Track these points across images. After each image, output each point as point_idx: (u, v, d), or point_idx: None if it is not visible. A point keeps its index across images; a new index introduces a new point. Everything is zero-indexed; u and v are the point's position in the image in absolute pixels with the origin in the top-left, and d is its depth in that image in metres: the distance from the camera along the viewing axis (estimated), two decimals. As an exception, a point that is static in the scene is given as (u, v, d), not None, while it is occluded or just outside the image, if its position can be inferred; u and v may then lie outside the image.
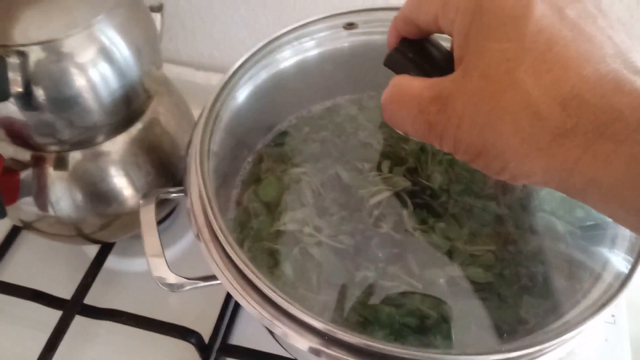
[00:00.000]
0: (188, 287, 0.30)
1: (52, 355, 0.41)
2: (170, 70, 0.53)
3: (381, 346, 0.27)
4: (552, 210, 0.39)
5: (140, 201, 0.33)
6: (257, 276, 0.30)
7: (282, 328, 0.29)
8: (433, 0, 0.24)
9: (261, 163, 0.42)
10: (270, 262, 0.37)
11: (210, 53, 0.72)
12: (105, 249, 0.47)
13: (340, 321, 0.34)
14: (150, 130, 0.42)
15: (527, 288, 0.35)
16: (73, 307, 0.44)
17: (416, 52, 0.28)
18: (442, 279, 0.35)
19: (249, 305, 0.30)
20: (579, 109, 0.19)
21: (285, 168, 0.41)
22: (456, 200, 0.39)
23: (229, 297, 0.47)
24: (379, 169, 0.41)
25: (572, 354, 0.45)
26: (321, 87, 0.45)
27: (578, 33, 0.20)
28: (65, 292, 0.45)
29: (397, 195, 0.39)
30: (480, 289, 0.35)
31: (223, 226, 0.31)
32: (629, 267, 0.30)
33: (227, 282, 0.30)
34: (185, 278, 0.30)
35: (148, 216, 0.32)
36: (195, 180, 0.32)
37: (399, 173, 0.40)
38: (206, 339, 0.44)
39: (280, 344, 0.42)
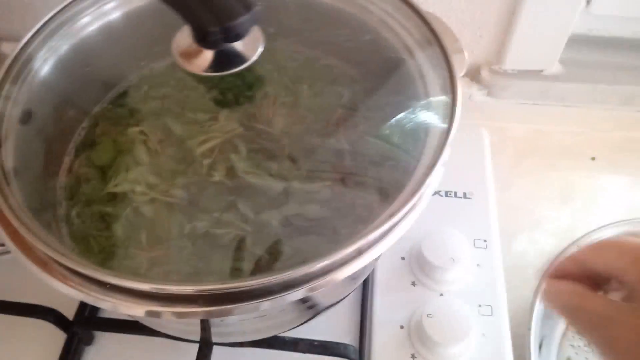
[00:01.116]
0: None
1: None
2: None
3: (211, 287, 0.26)
4: (396, 141, 0.38)
5: None
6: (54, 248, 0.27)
7: (108, 300, 0.27)
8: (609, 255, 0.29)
9: (96, 127, 0.40)
10: (101, 226, 0.35)
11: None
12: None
13: (171, 275, 0.34)
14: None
15: (362, 218, 0.35)
16: None
17: None
18: (277, 219, 0.35)
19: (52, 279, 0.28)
20: None
21: (122, 129, 0.40)
22: (295, 141, 0.38)
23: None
24: (216, 119, 0.39)
25: (449, 281, 0.45)
26: (157, 42, 0.44)
27: None
28: None
29: (230, 142, 0.38)
30: (316, 224, 0.35)
31: (11, 198, 0.29)
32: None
33: (17, 253, 0.28)
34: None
35: None
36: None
37: (236, 120, 0.39)
38: (72, 315, 0.43)
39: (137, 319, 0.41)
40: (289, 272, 0.26)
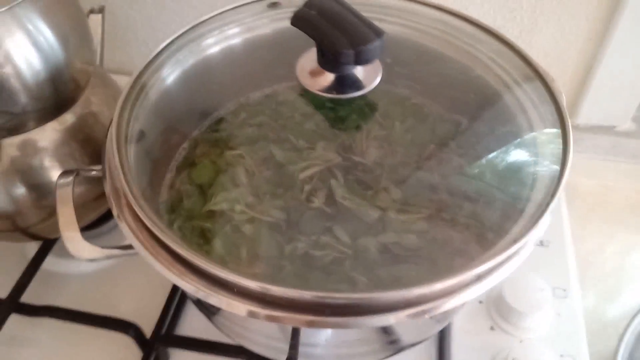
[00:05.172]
0: (103, 256, 0.29)
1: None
2: (121, 81, 0.53)
3: (316, 293, 0.27)
4: (488, 180, 0.39)
5: (59, 177, 0.32)
6: (178, 245, 0.29)
7: (216, 296, 0.28)
8: None
9: (196, 148, 0.42)
10: (201, 241, 0.36)
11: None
12: (46, 247, 0.46)
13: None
14: (83, 121, 0.42)
15: (459, 250, 0.35)
16: (9, 305, 0.42)
17: (321, 11, 0.29)
18: (374, 246, 0.35)
19: (170, 273, 0.29)
20: None
21: (220, 152, 0.41)
22: (389, 173, 0.39)
23: (175, 288, 0.46)
24: (314, 148, 0.41)
25: (529, 329, 0.44)
26: (258, 74, 0.46)
27: None
28: (2, 291, 0.44)
29: (329, 170, 0.39)
30: (412, 254, 0.35)
31: (142, 200, 0.30)
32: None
33: (142, 250, 0.29)
34: (100, 247, 0.30)
35: (64, 190, 0.31)
36: (112, 158, 0.31)
37: (333, 150, 0.40)
38: (150, 331, 0.43)
39: (221, 330, 0.41)
40: (402, 291, 0.27)
